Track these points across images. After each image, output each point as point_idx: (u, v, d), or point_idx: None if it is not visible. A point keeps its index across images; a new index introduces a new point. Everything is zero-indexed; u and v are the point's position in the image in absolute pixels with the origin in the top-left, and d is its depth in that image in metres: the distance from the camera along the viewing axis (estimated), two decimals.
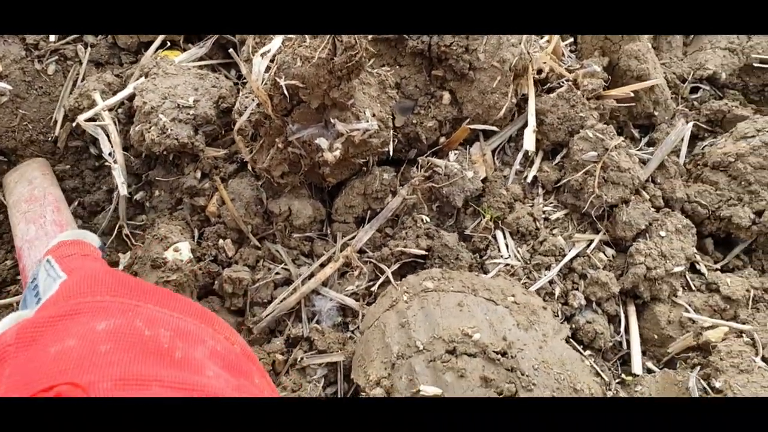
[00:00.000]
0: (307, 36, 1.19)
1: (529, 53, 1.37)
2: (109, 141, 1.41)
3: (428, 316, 1.18)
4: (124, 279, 0.96)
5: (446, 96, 1.42)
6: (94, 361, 0.75)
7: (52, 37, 1.48)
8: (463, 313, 1.17)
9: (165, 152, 1.34)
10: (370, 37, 1.25)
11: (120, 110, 1.46)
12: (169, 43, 1.55)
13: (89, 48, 1.53)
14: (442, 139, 1.44)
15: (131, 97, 1.44)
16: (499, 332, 1.14)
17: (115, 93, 1.46)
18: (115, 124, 1.42)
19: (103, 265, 1.14)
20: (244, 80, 1.54)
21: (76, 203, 1.52)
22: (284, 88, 1.18)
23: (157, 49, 1.54)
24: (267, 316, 1.32)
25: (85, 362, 0.75)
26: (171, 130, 1.33)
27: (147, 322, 0.85)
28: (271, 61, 1.22)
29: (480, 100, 1.38)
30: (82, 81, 1.50)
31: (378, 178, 1.39)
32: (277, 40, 1.22)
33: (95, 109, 1.44)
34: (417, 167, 1.40)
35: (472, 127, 1.40)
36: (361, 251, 1.39)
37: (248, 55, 1.40)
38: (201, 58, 1.52)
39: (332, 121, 1.27)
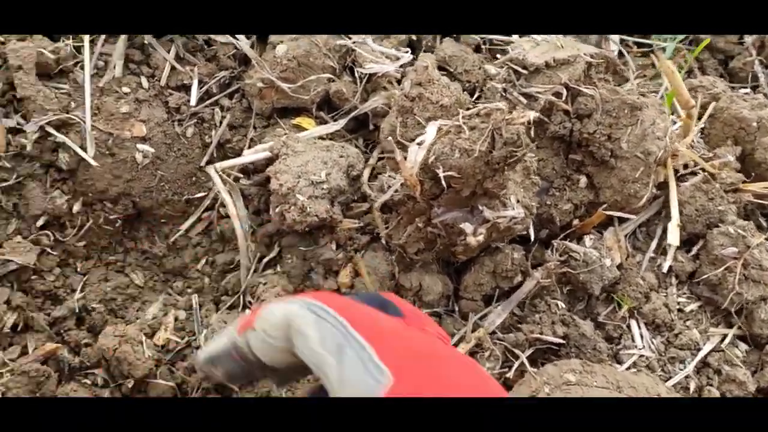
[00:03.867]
0: (465, 127, 1.21)
1: (672, 145, 1.37)
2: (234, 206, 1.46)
3: None
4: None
5: (583, 180, 1.43)
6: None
7: (193, 101, 1.52)
8: None
9: (306, 228, 1.36)
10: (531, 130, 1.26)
11: (255, 177, 1.50)
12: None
13: (226, 111, 1.56)
14: (576, 222, 1.45)
15: (264, 164, 1.48)
16: None
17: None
18: (233, 194, 1.46)
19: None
20: (374, 151, 1.56)
21: (203, 261, 1.54)
22: (442, 178, 1.20)
23: (283, 118, 1.57)
24: None
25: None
26: (310, 207, 1.35)
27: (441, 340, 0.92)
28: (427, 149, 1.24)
29: (620, 188, 1.38)
30: (216, 145, 1.54)
31: (509, 258, 1.40)
32: (432, 129, 1.24)
33: (231, 162, 1.49)
34: (552, 250, 1.40)
35: (609, 213, 1.41)
36: (491, 332, 1.40)
37: (390, 133, 1.42)
38: (333, 134, 1.54)
39: (480, 207, 1.28)
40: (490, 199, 1.28)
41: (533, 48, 1.41)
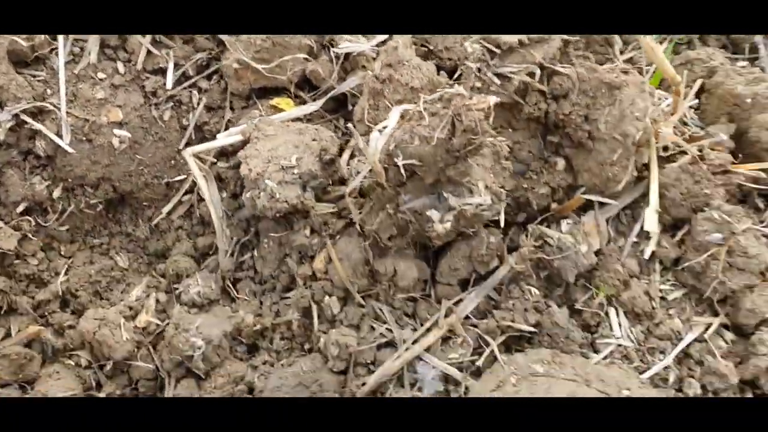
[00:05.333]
0: (425, 113, 1.17)
1: (653, 126, 1.30)
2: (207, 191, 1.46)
3: None
4: None
5: (561, 163, 1.37)
6: None
7: (169, 84, 1.51)
8: None
9: (278, 214, 1.35)
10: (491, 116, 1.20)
11: (232, 160, 1.50)
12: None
13: (204, 93, 1.55)
14: (554, 205, 1.40)
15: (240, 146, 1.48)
16: None
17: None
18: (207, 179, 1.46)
19: None
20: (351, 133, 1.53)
21: (189, 244, 1.55)
22: (401, 166, 1.17)
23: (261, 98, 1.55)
24: (371, 381, 1.33)
25: None
26: (279, 193, 1.34)
27: None
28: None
29: (598, 171, 1.32)
30: (194, 127, 1.53)
31: (485, 242, 1.36)
32: (394, 115, 1.21)
33: (205, 146, 1.49)
34: (527, 235, 1.36)
35: (588, 197, 1.36)
36: (465, 317, 1.37)
37: (361, 117, 1.39)
38: (312, 115, 1.51)
39: (445, 194, 1.25)
40: (455, 186, 1.24)
41: None
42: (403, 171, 1.17)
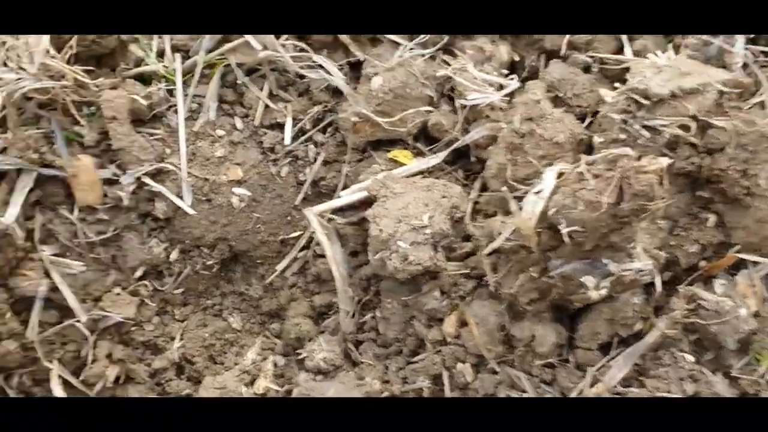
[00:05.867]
0: (588, 175, 1.10)
1: None
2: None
3: None
4: None
5: (712, 219, 1.30)
6: None
7: (287, 139, 1.46)
8: None
9: (409, 276, 1.29)
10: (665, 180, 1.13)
11: (350, 216, 1.44)
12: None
13: (320, 147, 1.49)
14: (703, 263, 1.32)
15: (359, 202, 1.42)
16: None
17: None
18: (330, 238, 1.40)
19: None
20: (475, 182, 1.47)
21: (307, 304, 1.49)
22: (565, 234, 1.10)
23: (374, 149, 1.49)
24: None
25: None
26: (413, 255, 1.27)
27: None
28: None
29: (755, 229, 1.25)
30: (311, 182, 1.48)
31: (630, 304, 1.29)
32: (549, 176, 1.14)
33: (328, 205, 1.43)
34: (678, 297, 1.29)
35: (743, 256, 1.28)
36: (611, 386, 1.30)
37: (497, 173, 1.33)
38: (433, 168, 1.45)
39: (604, 261, 1.18)
40: (614, 252, 1.17)
41: (655, 75, 1.28)
42: (567, 239, 1.10)
